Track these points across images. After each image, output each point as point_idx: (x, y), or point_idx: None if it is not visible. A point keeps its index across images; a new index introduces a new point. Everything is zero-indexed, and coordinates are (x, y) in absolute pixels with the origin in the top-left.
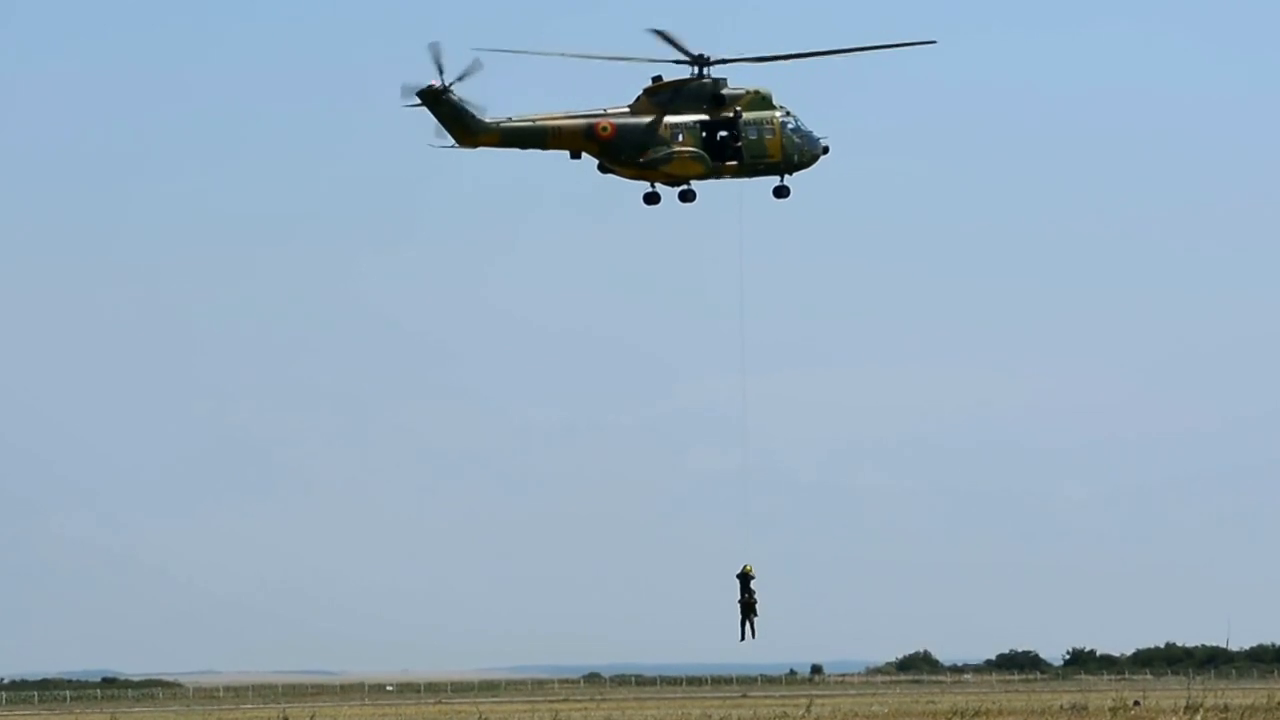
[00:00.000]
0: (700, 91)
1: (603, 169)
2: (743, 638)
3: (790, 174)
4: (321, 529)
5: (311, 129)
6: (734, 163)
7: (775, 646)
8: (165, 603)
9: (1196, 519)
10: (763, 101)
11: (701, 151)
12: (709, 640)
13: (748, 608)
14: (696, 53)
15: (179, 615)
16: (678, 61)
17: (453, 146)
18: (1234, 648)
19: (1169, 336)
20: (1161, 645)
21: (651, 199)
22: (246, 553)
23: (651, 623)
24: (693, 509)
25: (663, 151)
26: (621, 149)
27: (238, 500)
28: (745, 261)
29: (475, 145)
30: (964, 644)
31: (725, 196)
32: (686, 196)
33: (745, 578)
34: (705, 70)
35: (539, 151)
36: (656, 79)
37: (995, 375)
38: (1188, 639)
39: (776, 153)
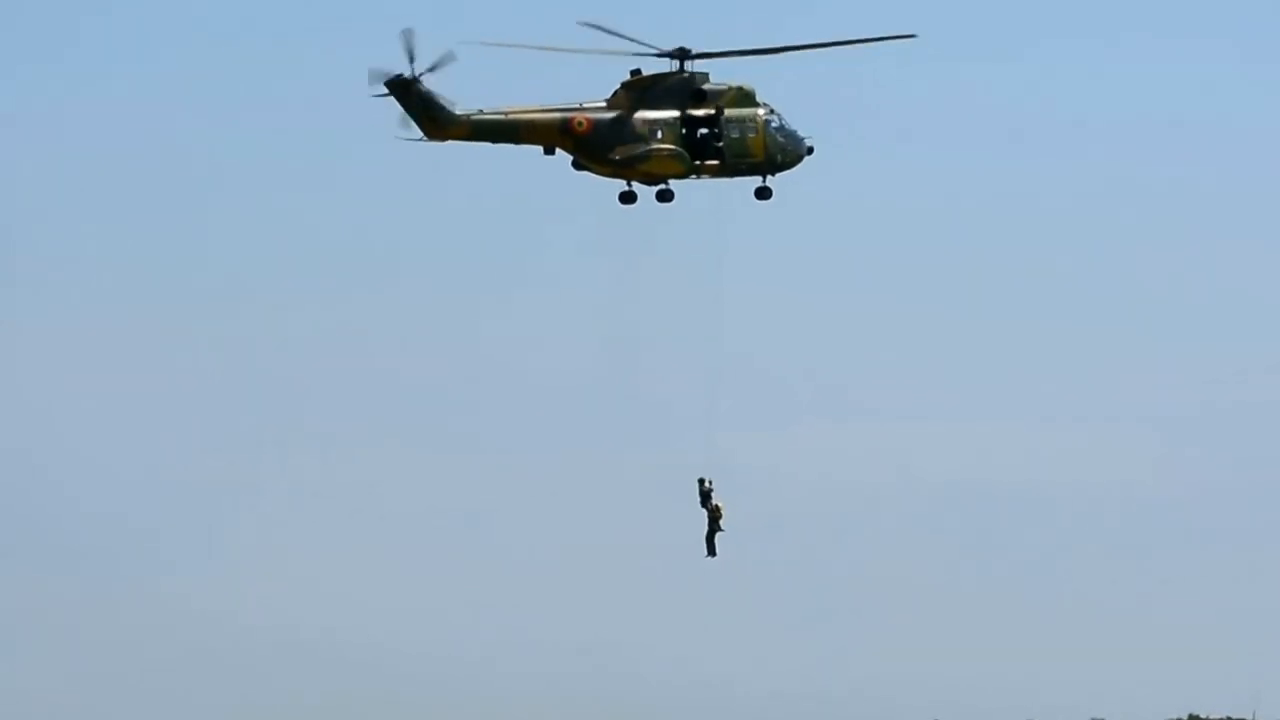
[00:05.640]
0: (681, 87)
1: (577, 166)
2: (708, 554)
3: (773, 175)
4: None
5: (290, 155)
6: (715, 162)
7: (773, 713)
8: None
9: (1222, 581)
10: (746, 98)
11: (681, 150)
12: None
13: (713, 520)
14: (677, 45)
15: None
16: (658, 54)
17: (420, 139)
18: (1262, 718)
19: (1199, 385)
20: (1184, 717)
21: (627, 198)
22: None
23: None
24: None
25: (640, 149)
26: (597, 145)
27: (224, 545)
28: (726, 267)
29: (444, 138)
30: (978, 716)
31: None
32: (664, 196)
33: (705, 494)
34: (686, 64)
35: (510, 146)
36: (635, 73)
37: (1007, 424)
38: (1212, 709)
39: (759, 152)
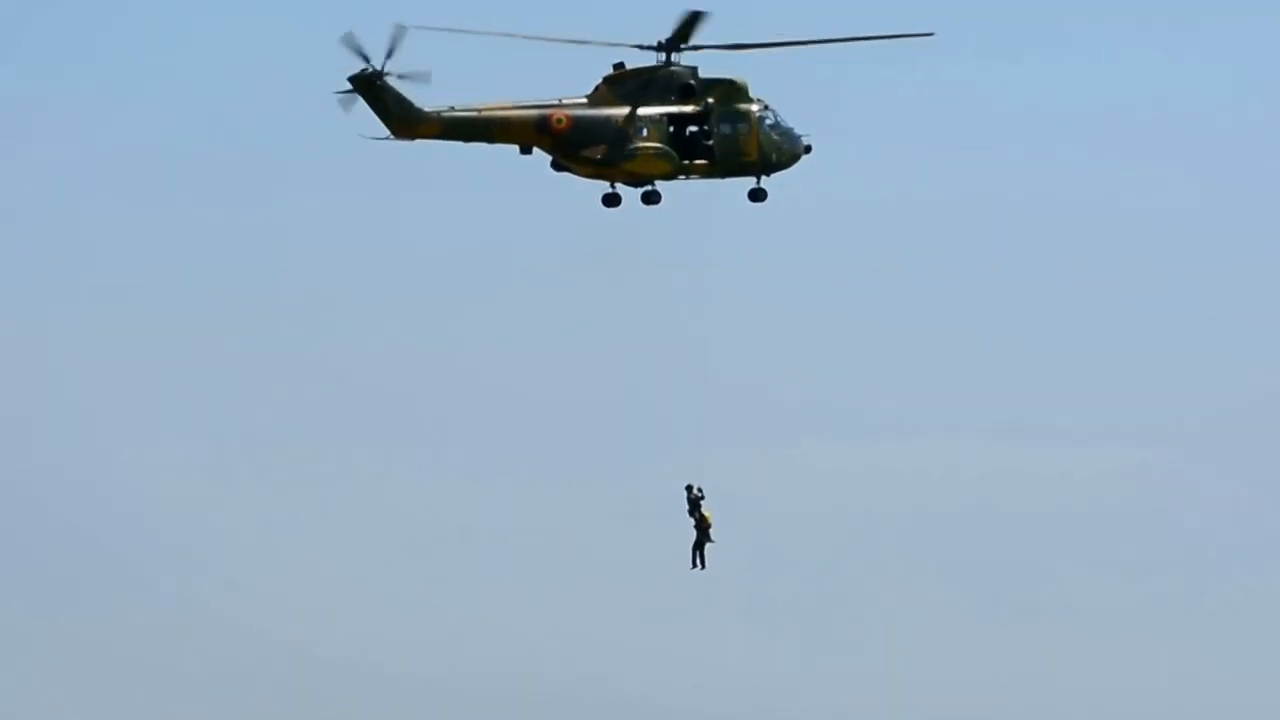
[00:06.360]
0: (668, 81)
1: (556, 166)
2: (693, 565)
3: (768, 175)
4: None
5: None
6: (704, 161)
7: None
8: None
9: (1223, 589)
10: (738, 94)
11: (668, 148)
12: None
13: (701, 530)
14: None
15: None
16: (643, 47)
17: (387, 138)
18: None
19: (1202, 392)
20: None
21: (611, 201)
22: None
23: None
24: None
25: (624, 148)
26: (578, 144)
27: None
28: (715, 274)
29: (413, 137)
30: None
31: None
32: (650, 198)
33: (693, 503)
34: (674, 57)
35: (484, 145)
36: (619, 66)
37: (1008, 434)
38: None
39: (752, 151)
